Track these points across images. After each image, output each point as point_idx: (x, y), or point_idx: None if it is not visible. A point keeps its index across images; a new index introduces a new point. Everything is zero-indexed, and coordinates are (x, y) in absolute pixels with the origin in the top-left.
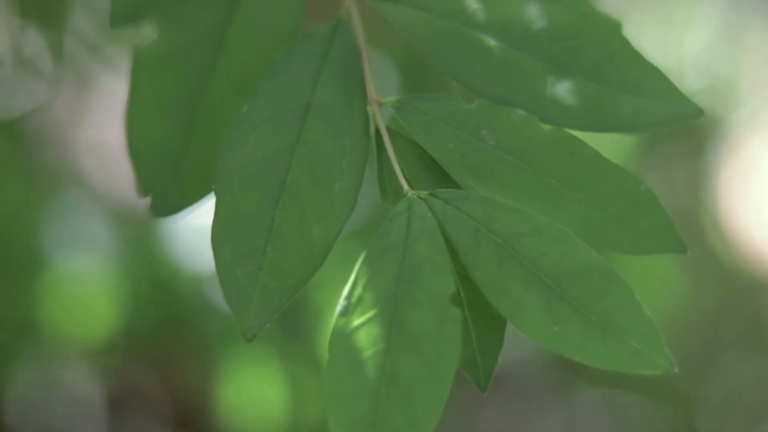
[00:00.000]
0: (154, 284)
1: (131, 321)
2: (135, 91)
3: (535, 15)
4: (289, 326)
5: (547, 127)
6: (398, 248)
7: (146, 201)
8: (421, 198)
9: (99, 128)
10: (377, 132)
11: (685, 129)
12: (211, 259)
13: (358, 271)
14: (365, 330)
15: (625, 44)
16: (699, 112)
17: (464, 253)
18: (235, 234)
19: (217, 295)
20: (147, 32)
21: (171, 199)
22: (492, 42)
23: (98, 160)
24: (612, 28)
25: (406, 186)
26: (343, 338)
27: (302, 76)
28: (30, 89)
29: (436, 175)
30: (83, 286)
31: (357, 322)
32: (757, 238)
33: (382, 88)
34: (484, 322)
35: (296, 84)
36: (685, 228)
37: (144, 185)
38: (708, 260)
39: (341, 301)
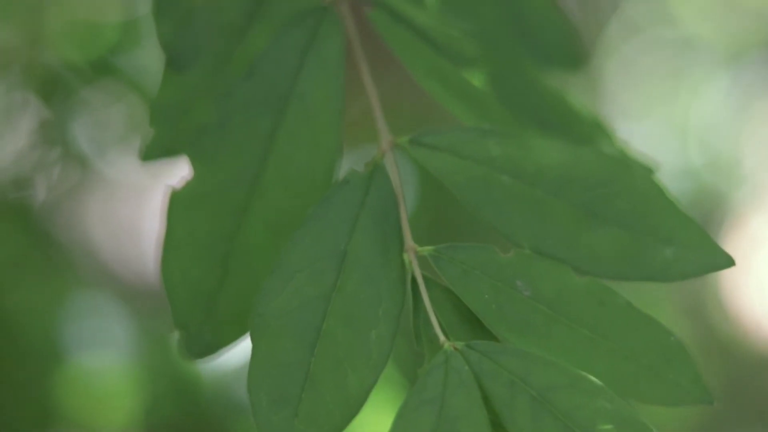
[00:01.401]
0: (173, 378)
1: (150, 414)
2: (170, 230)
3: (569, 161)
4: None
5: (582, 279)
6: (435, 402)
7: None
8: (457, 350)
9: (108, 210)
10: (413, 279)
11: (688, 206)
12: (230, 356)
13: (396, 424)
14: None
15: (659, 192)
16: (731, 262)
17: (499, 405)
18: (272, 380)
19: (236, 391)
20: (180, 170)
21: (205, 339)
22: (527, 189)
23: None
24: (644, 174)
25: (442, 337)
26: None
27: (339, 223)
28: (42, 176)
29: (471, 323)
30: (102, 380)
31: None
32: (760, 315)
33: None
34: None
35: (333, 231)
36: (688, 305)
37: (180, 323)
38: (711, 337)
39: None
